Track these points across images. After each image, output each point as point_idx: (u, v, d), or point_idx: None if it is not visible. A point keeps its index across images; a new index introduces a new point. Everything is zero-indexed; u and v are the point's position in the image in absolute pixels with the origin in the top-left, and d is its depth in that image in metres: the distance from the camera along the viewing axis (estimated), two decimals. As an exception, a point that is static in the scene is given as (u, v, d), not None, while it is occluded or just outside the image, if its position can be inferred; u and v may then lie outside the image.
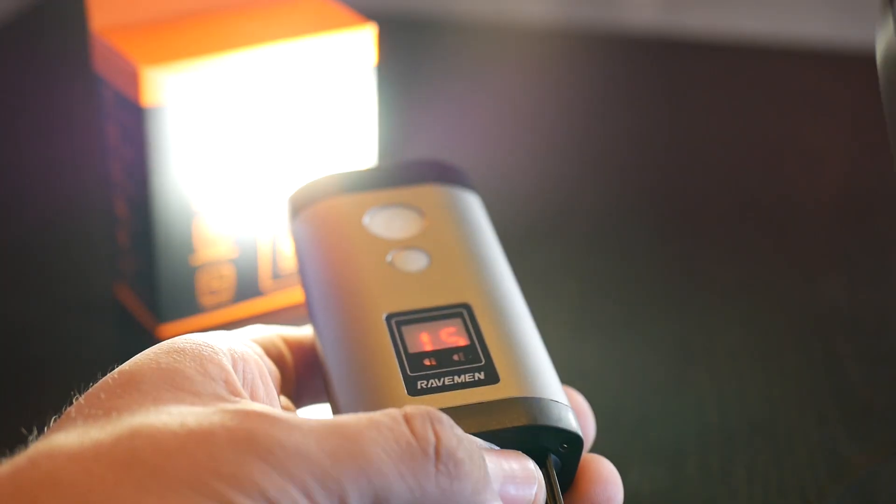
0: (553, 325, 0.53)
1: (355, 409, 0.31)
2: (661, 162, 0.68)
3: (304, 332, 0.37)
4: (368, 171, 0.39)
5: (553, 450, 0.31)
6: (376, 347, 0.33)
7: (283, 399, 0.36)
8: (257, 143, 0.48)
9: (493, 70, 0.80)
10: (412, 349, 0.32)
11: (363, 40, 0.49)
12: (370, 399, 0.31)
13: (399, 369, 0.32)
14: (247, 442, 0.25)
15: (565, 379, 0.50)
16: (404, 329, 0.33)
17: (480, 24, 0.87)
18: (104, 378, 0.29)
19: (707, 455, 0.45)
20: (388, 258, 0.36)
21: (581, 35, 0.85)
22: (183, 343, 0.30)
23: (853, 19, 0.91)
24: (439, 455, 0.27)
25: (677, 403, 0.48)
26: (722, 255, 0.59)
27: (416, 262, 0.36)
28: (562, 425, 0.31)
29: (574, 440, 0.31)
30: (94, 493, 0.24)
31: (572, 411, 0.32)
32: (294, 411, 0.36)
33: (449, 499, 0.27)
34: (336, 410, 0.33)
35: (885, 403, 0.48)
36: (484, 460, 0.29)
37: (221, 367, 0.29)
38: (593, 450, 0.39)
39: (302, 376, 0.36)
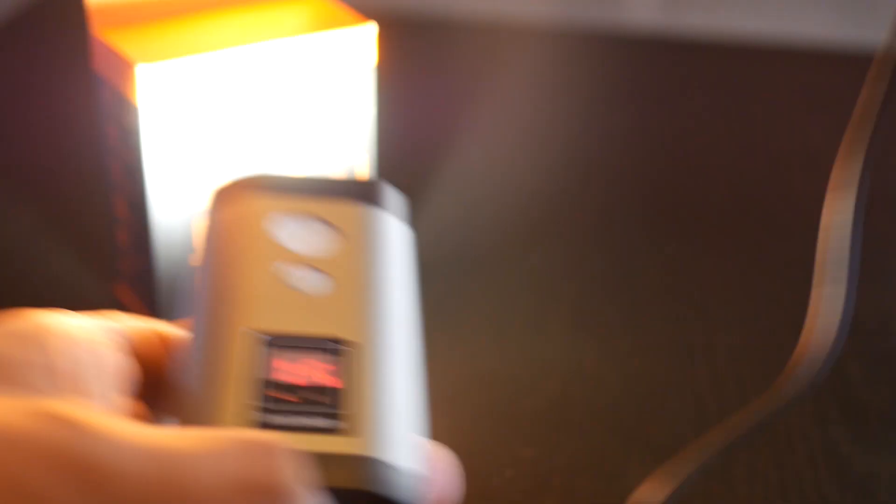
0: (553, 326, 0.53)
1: (195, 424, 0.29)
2: (661, 162, 0.68)
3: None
4: (304, 178, 0.37)
5: None
6: (235, 366, 0.30)
7: (134, 404, 0.32)
8: (257, 142, 0.48)
9: (493, 70, 0.80)
10: (273, 377, 0.30)
11: (363, 38, 0.49)
12: (212, 417, 0.29)
13: (251, 399, 0.30)
14: (61, 458, 0.23)
15: (565, 379, 0.50)
16: (272, 352, 0.31)
17: (480, 24, 0.87)
18: None
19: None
20: (284, 272, 0.33)
21: (581, 35, 0.85)
22: (25, 324, 0.27)
23: (853, 19, 0.91)
24: (277, 496, 0.24)
25: (677, 403, 0.48)
26: (722, 255, 0.59)
27: (313, 282, 0.33)
28: (397, 498, 0.29)
29: None
30: None
31: (419, 481, 0.30)
32: (146, 418, 0.33)
33: None
34: (178, 419, 0.30)
35: (885, 403, 0.48)
36: None
37: (43, 350, 0.26)
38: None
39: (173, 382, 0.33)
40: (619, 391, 0.49)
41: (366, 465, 0.29)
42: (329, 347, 0.31)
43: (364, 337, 0.32)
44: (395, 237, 0.36)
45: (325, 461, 0.29)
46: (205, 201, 0.37)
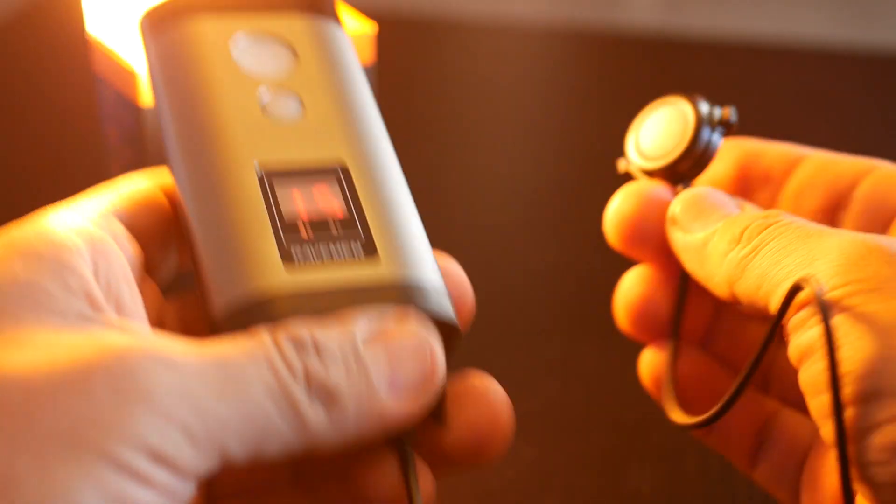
0: (553, 326, 0.53)
1: (225, 282, 0.28)
2: (661, 162, 0.68)
3: None
4: None
5: None
6: (248, 206, 0.29)
7: (148, 284, 0.31)
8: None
9: (493, 70, 0.80)
10: (286, 212, 0.29)
11: (363, 39, 0.49)
12: (241, 270, 0.28)
13: (273, 237, 0.29)
14: (126, 384, 0.23)
15: (566, 380, 0.50)
16: (277, 188, 0.30)
17: (480, 24, 0.87)
18: None
19: (707, 455, 0.45)
20: (260, 100, 0.31)
21: (581, 35, 0.85)
22: (39, 243, 0.26)
23: (853, 19, 0.91)
24: (310, 385, 0.26)
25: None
26: (722, 255, 0.59)
27: (287, 108, 0.32)
28: (441, 317, 0.29)
29: (452, 330, 0.29)
30: None
31: (449, 297, 0.30)
32: (157, 292, 0.32)
33: (334, 426, 0.26)
34: (200, 281, 0.29)
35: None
36: (364, 366, 0.27)
37: (81, 278, 0.26)
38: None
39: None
40: (619, 391, 0.49)
41: (403, 292, 0.29)
42: (322, 173, 0.30)
43: (347, 156, 0.31)
44: (345, 46, 0.34)
45: (361, 294, 0.28)
46: (136, 26, 0.34)
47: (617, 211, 0.38)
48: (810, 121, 0.73)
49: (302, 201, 0.30)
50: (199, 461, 0.24)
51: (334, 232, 0.29)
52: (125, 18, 0.48)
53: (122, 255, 0.29)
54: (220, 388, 0.24)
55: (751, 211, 0.34)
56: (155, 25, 0.34)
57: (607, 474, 0.45)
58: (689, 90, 0.41)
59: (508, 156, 0.69)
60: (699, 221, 0.34)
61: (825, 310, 0.28)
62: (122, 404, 0.23)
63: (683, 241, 0.35)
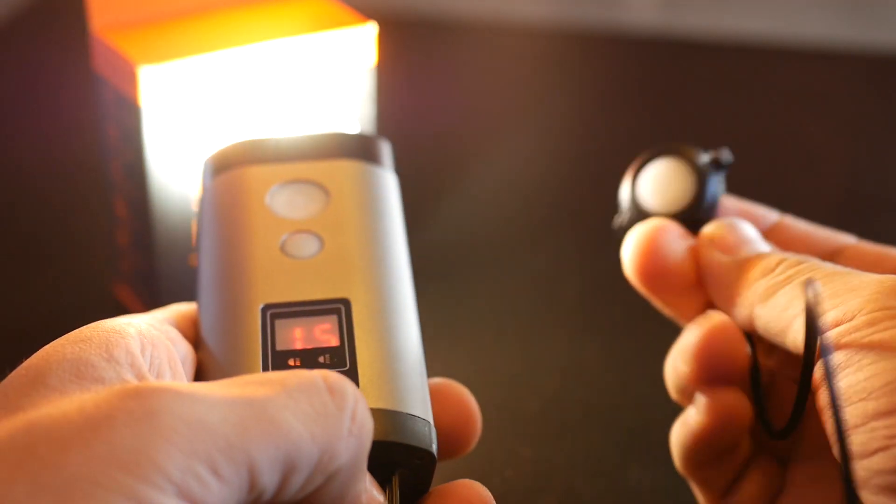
0: (553, 326, 0.53)
1: None
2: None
3: None
4: (286, 140, 0.37)
5: (405, 464, 0.31)
6: (244, 339, 0.32)
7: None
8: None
9: (492, 70, 0.80)
10: (280, 346, 0.31)
11: (363, 38, 0.49)
12: None
13: (261, 366, 0.31)
14: (147, 421, 0.24)
15: (566, 380, 0.50)
16: (277, 322, 0.32)
17: (480, 24, 0.87)
18: (13, 373, 0.28)
19: (707, 455, 0.45)
20: (280, 241, 0.34)
21: (581, 35, 0.85)
22: (90, 331, 0.29)
23: (853, 19, 0.91)
24: (355, 416, 0.27)
25: (677, 403, 0.48)
26: (722, 255, 0.59)
27: (306, 247, 0.34)
28: (413, 443, 0.30)
29: (426, 456, 0.31)
30: None
31: (430, 425, 0.31)
32: None
33: (355, 458, 0.27)
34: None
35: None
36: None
37: (128, 351, 0.28)
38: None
39: None
40: (619, 391, 0.49)
41: (376, 417, 0.30)
42: (324, 308, 0.32)
43: (354, 293, 0.33)
44: (376, 188, 0.36)
45: None
46: (199, 170, 0.38)
47: (639, 247, 0.39)
48: (810, 121, 0.73)
49: (299, 333, 0.32)
50: (228, 494, 0.24)
51: (321, 360, 0.31)
52: (127, 18, 0.48)
53: (171, 347, 0.31)
54: (241, 419, 0.25)
55: (784, 252, 0.36)
56: (215, 168, 0.37)
57: (607, 474, 0.45)
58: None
59: (508, 155, 0.69)
60: (737, 247, 0.37)
61: (822, 343, 0.30)
62: (141, 442, 0.24)
63: (719, 260, 0.37)
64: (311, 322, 0.32)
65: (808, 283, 0.31)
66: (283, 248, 0.34)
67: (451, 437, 0.34)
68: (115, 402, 0.24)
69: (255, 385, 0.26)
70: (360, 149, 0.37)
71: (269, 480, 0.25)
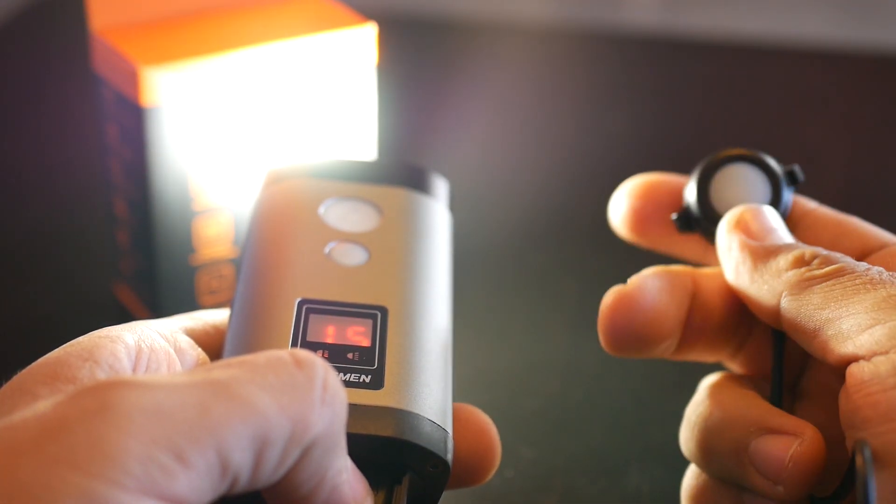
0: (553, 326, 0.53)
1: None
2: (661, 162, 0.68)
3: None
4: (349, 161, 0.39)
5: (418, 470, 0.31)
6: (275, 329, 0.32)
7: None
8: (257, 143, 0.48)
9: (493, 70, 0.80)
10: (311, 338, 0.32)
11: (364, 39, 0.49)
12: None
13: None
14: (101, 416, 0.23)
15: (566, 380, 0.50)
16: (312, 317, 0.32)
17: (480, 24, 0.87)
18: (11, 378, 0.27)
19: (707, 455, 0.45)
20: (328, 247, 0.35)
21: (581, 35, 0.85)
22: (85, 337, 0.28)
23: (853, 19, 0.91)
24: (326, 385, 0.26)
25: (677, 403, 0.48)
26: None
27: (353, 256, 0.35)
28: (428, 446, 0.30)
29: (441, 464, 0.31)
30: None
31: (449, 435, 0.31)
32: None
33: (329, 429, 0.26)
34: None
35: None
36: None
37: (112, 354, 0.28)
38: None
39: None
40: (619, 391, 0.49)
41: (396, 415, 0.30)
42: (361, 312, 0.33)
43: (393, 304, 0.33)
44: (429, 217, 0.38)
45: (355, 411, 0.30)
46: (259, 179, 0.39)
47: (630, 196, 0.40)
48: (810, 121, 0.73)
49: (332, 330, 0.32)
50: (199, 481, 0.23)
51: (350, 357, 0.32)
52: (127, 18, 0.48)
53: (173, 355, 0.30)
54: (203, 400, 0.24)
55: (816, 247, 0.35)
56: (275, 178, 0.38)
57: (607, 474, 0.45)
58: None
59: (508, 155, 0.69)
60: (765, 234, 0.36)
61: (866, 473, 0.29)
62: (96, 439, 0.23)
63: (746, 243, 0.36)
64: (345, 322, 0.32)
65: (858, 444, 0.29)
66: (329, 254, 0.35)
67: (468, 464, 0.33)
68: (71, 402, 0.24)
69: (220, 368, 0.25)
70: (418, 180, 0.38)
71: (241, 460, 0.24)
